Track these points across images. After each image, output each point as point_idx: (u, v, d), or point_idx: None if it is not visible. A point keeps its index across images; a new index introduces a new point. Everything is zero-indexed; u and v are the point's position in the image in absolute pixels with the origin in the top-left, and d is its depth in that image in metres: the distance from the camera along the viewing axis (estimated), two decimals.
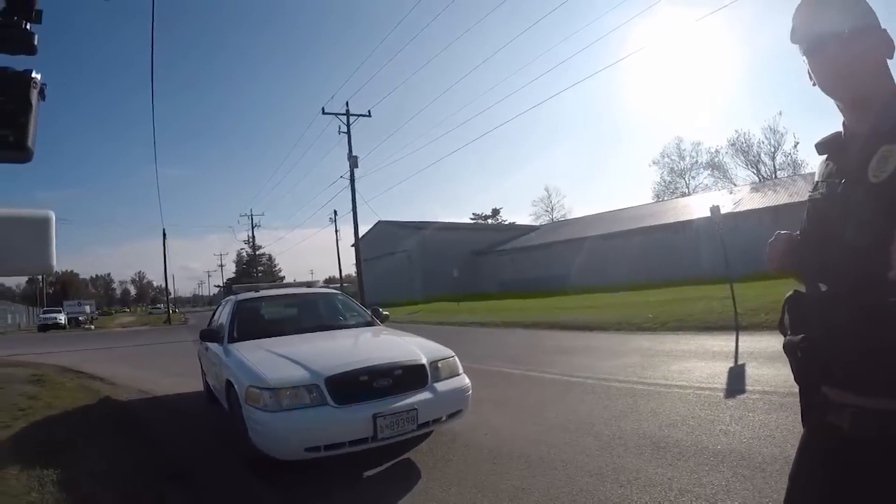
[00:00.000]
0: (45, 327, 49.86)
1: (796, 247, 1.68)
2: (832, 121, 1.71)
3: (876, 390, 1.39)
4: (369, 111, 37.21)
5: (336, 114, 36.26)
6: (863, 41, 1.50)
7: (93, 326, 54.29)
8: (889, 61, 1.54)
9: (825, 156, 1.71)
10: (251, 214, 77.08)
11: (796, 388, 1.75)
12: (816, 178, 1.71)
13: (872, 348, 1.36)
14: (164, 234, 58.73)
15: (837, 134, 1.65)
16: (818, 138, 1.71)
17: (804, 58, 1.61)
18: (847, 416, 1.46)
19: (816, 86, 1.60)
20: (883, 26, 1.54)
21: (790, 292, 1.67)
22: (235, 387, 5.61)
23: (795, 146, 65.63)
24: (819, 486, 1.58)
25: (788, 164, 62.82)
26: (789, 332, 1.64)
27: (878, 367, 1.36)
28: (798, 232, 1.72)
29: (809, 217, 1.67)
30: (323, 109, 36.11)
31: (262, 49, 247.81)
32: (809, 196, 1.70)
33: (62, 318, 53.92)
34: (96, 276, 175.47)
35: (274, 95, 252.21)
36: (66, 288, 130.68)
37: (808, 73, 1.61)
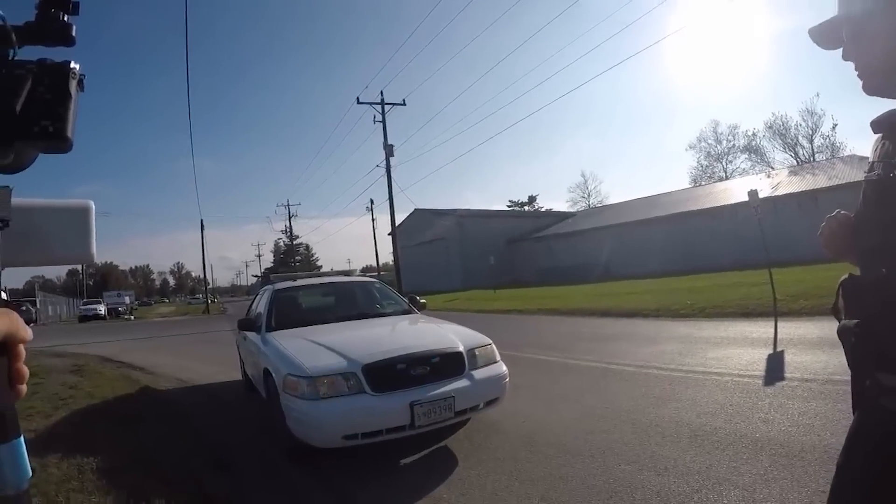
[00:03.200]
0: (85, 318, 50.76)
1: (851, 229, 1.63)
2: (872, 102, 1.65)
3: None
4: (404, 100, 37.48)
5: (371, 103, 36.47)
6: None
7: (132, 317, 55.21)
8: None
9: (880, 134, 1.64)
10: (288, 204, 77.95)
11: (836, 376, 1.73)
12: (871, 159, 1.63)
13: None
14: (203, 225, 59.66)
15: (893, 111, 1.57)
16: (858, 120, 1.67)
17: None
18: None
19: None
20: None
21: (845, 276, 1.62)
22: (273, 375, 5.67)
23: (834, 128, 65.13)
24: (870, 474, 1.54)
25: (827, 146, 61.99)
26: (844, 317, 1.59)
27: None
28: (853, 214, 1.68)
29: (865, 198, 1.59)
30: (358, 99, 36.43)
31: (298, 39, 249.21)
32: (865, 177, 1.65)
33: (102, 309, 54.82)
34: (135, 266, 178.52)
35: (310, 85, 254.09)
36: (105, 279, 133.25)
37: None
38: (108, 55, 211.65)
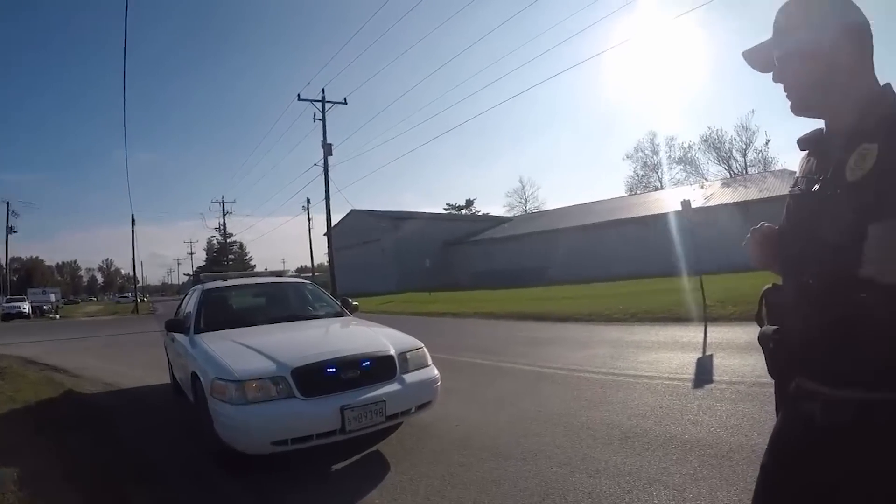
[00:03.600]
0: (8, 316, 48.73)
1: (776, 240, 1.71)
2: (804, 120, 1.72)
3: (847, 381, 1.42)
4: (345, 99, 37.32)
5: (312, 100, 36.23)
6: (826, 50, 1.53)
7: (58, 316, 53.47)
8: (866, 54, 1.55)
9: (806, 152, 1.74)
10: (222, 201, 76.56)
11: (763, 378, 1.82)
12: (797, 174, 1.74)
13: (843, 341, 1.39)
14: (133, 220, 58.01)
15: (819, 130, 1.67)
16: (790, 136, 1.75)
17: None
18: (819, 404, 1.48)
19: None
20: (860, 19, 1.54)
21: (768, 285, 1.71)
22: (201, 379, 5.53)
23: (767, 143, 67.36)
24: (791, 474, 1.60)
25: (759, 160, 64.46)
26: (765, 324, 1.69)
27: (850, 360, 1.39)
28: (778, 226, 1.74)
29: (788, 212, 1.69)
30: (299, 96, 36.14)
31: (238, 33, 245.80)
32: (790, 192, 1.73)
33: (26, 307, 52.82)
34: (63, 262, 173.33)
35: (249, 80, 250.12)
36: (31, 275, 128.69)
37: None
38: (44, 45, 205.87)
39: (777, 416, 1.74)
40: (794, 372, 1.59)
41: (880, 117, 1.45)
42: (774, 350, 1.60)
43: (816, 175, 1.59)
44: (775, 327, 1.60)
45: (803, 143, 1.72)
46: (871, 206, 1.34)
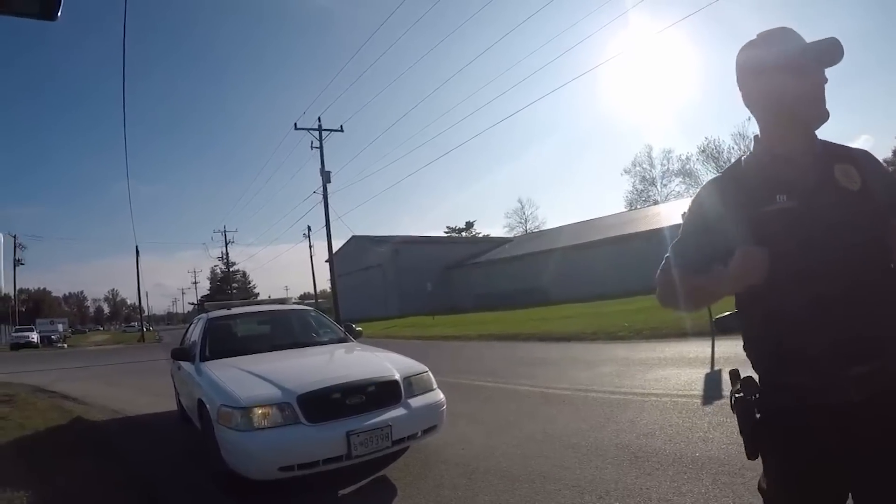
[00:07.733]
0: (17, 346, 48.96)
1: (767, 257, 1.72)
2: None
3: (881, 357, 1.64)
4: (341, 126, 37.32)
5: (308, 129, 36.23)
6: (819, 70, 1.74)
7: (66, 345, 53.55)
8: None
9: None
10: (224, 230, 76.65)
11: None
12: (761, 193, 1.82)
13: (873, 329, 1.63)
14: (137, 251, 58.38)
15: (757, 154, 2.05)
16: None
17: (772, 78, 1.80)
18: (853, 382, 1.65)
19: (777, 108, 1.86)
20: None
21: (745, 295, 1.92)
22: (207, 406, 5.53)
23: None
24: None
25: None
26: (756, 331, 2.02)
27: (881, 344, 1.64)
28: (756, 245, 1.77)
29: (787, 227, 1.72)
30: (295, 125, 36.13)
31: (236, 64, 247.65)
32: (763, 210, 1.78)
33: (34, 337, 53.03)
34: (69, 293, 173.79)
35: (247, 110, 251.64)
36: (38, 306, 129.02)
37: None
38: (47, 80, 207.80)
39: (759, 448, 1.93)
40: (824, 374, 1.71)
41: (832, 146, 1.80)
42: (813, 361, 1.72)
43: (799, 190, 1.72)
44: (801, 339, 1.74)
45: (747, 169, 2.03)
46: (884, 207, 1.65)
